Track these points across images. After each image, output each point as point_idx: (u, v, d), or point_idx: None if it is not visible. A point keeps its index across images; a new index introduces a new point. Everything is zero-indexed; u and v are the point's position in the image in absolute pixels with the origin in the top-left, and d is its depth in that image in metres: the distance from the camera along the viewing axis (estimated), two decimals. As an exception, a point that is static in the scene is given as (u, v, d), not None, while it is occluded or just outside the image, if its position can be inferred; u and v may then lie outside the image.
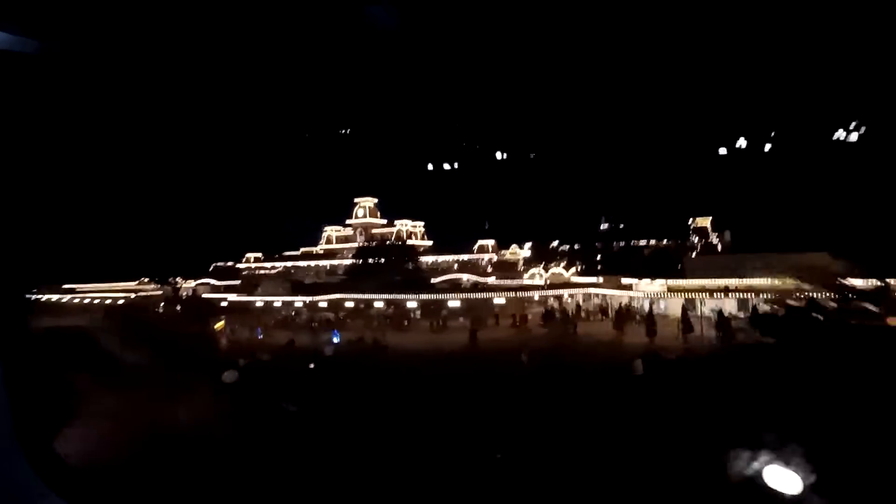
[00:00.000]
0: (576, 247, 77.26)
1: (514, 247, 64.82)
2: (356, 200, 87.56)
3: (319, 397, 21.96)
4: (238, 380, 24.83)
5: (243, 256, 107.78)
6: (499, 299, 42.38)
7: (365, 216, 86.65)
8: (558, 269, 57.25)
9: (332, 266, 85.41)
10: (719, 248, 71.91)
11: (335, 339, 30.59)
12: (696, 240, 76.19)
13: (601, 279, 43.48)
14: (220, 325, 48.54)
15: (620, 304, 41.76)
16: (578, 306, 44.69)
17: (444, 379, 24.80)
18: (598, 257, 66.62)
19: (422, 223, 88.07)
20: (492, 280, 64.60)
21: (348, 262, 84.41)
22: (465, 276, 67.71)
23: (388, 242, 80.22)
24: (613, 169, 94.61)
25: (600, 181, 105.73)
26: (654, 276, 50.78)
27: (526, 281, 60.87)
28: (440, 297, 44.19)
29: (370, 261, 61.98)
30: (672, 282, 38.02)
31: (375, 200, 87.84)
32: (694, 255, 71.16)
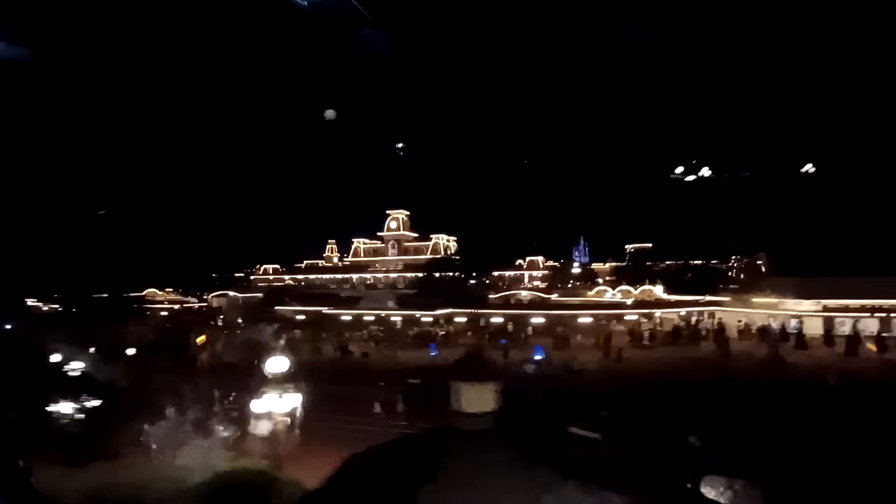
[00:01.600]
0: (625, 265, 77.21)
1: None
2: (389, 212, 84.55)
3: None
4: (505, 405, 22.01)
5: (244, 267, 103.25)
6: (630, 317, 40.84)
7: (398, 228, 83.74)
8: (645, 287, 56.55)
9: (363, 279, 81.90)
10: (763, 269, 73.28)
11: (537, 357, 28.09)
12: (735, 261, 77.62)
13: (727, 297, 42.80)
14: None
15: (754, 324, 41.00)
16: (694, 324, 43.74)
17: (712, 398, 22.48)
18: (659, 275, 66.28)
19: (454, 238, 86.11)
20: (555, 297, 63.11)
21: (381, 275, 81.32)
22: (523, 293, 65.96)
23: (432, 256, 77.66)
24: (650, 191, 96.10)
25: (634, 201, 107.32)
26: (710, 293, 51.01)
27: (597, 298, 59.64)
28: (562, 313, 42.16)
29: (438, 274, 59.28)
30: (827, 301, 37.71)
31: (408, 213, 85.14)
32: (742, 276, 72.21)
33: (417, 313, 42.45)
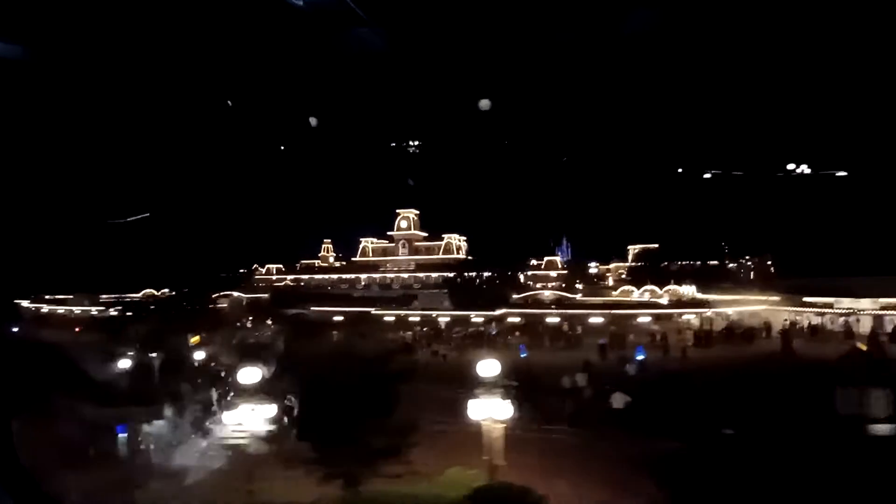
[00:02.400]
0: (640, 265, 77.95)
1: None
2: (398, 211, 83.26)
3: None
4: (630, 403, 21.62)
5: (238, 267, 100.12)
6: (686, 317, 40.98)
7: (409, 228, 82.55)
8: (671, 287, 57.12)
9: (374, 279, 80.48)
10: (772, 269, 75.16)
11: (640, 357, 27.75)
12: (746, 261, 79.41)
13: (778, 297, 43.40)
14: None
15: (802, 322, 41.76)
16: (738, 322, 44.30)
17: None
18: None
19: (464, 237, 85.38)
20: (579, 297, 63.13)
21: (392, 275, 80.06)
22: (546, 293, 65.77)
23: (445, 256, 76.84)
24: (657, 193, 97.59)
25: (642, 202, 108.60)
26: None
27: (623, 298, 59.84)
28: (620, 312, 41.94)
29: (468, 275, 58.51)
30: (885, 300, 38.63)
31: (418, 212, 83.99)
32: (752, 275, 73.90)
33: (473, 314, 41.71)
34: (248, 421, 15.10)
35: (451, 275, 59.27)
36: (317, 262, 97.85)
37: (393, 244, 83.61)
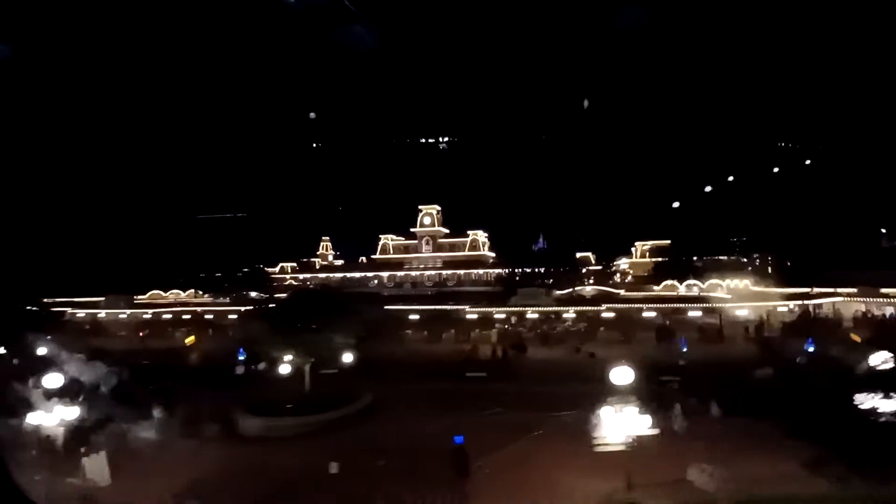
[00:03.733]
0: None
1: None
2: (421, 207, 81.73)
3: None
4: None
5: (238, 267, 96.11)
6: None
7: (432, 224, 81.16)
8: (713, 281, 58.33)
9: (401, 277, 78.75)
10: (788, 263, 78.32)
11: (810, 349, 27.97)
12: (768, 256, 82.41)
13: (855, 289, 44.87)
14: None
15: (874, 312, 43.49)
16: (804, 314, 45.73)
17: None
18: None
19: (486, 234, 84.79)
20: (623, 292, 63.70)
21: (417, 272, 78.56)
22: (587, 288, 66.11)
23: (471, 252, 76.07)
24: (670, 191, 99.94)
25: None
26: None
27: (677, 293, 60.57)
28: (721, 306, 42.23)
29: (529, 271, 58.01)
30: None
31: (439, 208, 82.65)
32: (769, 270, 76.75)
33: (571, 309, 41.25)
34: (627, 424, 14.26)
35: (480, 271, 58.42)
36: (318, 261, 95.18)
37: (415, 241, 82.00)
